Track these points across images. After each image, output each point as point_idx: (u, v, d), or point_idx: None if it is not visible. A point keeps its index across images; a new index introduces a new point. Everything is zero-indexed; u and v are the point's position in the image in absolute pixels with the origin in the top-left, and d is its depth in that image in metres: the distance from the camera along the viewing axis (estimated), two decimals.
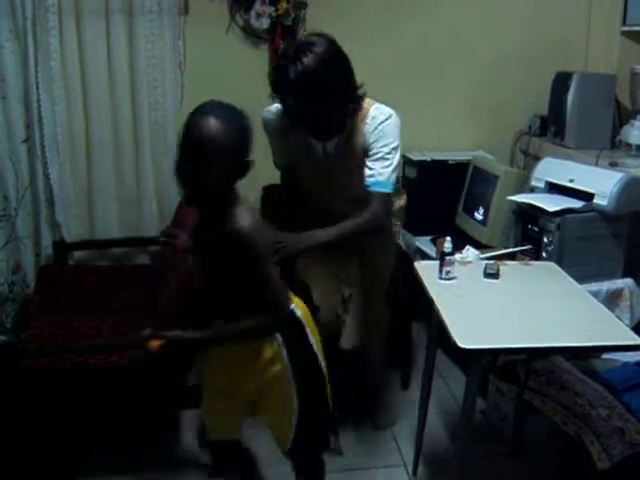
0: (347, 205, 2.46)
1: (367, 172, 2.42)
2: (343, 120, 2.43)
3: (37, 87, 3.17)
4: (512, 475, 2.64)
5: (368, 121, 2.41)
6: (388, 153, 2.40)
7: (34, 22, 3.09)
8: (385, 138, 2.40)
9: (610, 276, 2.90)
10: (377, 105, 2.45)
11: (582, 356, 2.53)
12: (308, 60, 2.20)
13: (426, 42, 3.61)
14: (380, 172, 2.40)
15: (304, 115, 2.32)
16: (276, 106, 2.44)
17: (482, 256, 2.66)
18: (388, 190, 2.43)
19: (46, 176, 3.28)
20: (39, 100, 3.18)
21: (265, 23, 3.34)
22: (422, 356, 2.71)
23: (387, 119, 2.42)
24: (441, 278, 2.28)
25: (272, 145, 2.59)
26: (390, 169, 2.41)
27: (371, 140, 2.41)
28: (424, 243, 3.44)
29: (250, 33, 3.41)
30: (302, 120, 2.37)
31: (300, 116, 2.33)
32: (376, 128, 2.40)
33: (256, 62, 3.44)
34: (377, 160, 2.41)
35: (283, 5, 3.31)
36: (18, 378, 2.43)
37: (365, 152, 2.43)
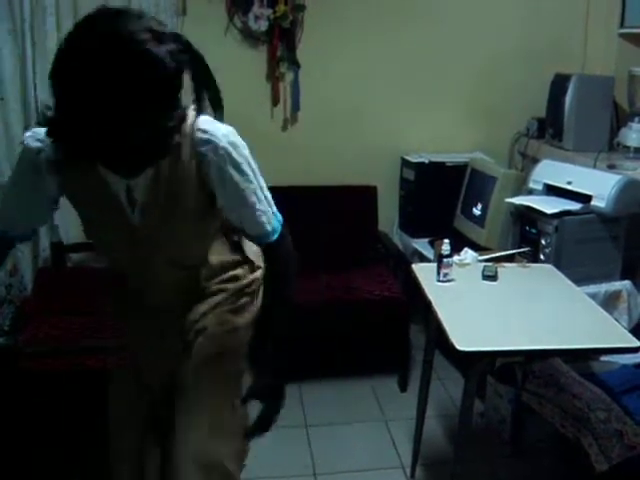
0: (174, 295, 1.72)
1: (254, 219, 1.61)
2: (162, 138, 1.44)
3: (35, 88, 3.17)
4: (510, 477, 2.64)
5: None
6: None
7: (32, 23, 3.09)
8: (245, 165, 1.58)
9: (608, 278, 2.90)
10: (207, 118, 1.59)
11: (580, 358, 2.54)
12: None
13: (424, 45, 3.61)
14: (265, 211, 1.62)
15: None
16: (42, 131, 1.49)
17: (480, 258, 2.66)
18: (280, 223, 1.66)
19: None
20: (37, 102, 3.18)
21: (263, 25, 3.34)
22: (420, 358, 2.70)
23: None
24: (439, 280, 2.28)
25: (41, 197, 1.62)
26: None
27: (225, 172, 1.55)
28: (422, 245, 3.44)
29: (248, 35, 3.41)
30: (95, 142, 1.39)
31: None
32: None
33: (254, 64, 3.45)
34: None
35: (281, 7, 3.31)
36: (16, 380, 2.43)
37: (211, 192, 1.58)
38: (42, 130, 1.49)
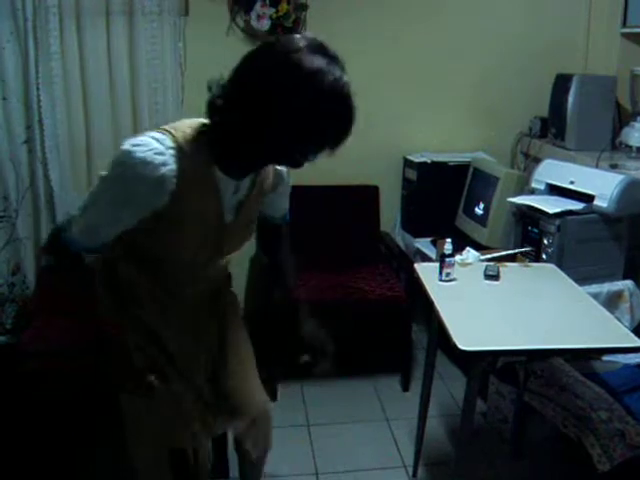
0: (204, 284, 1.88)
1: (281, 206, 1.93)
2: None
3: (38, 88, 3.18)
4: (512, 477, 2.64)
5: None
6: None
7: (35, 23, 3.10)
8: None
9: (610, 278, 2.90)
10: None
11: (582, 358, 2.54)
12: None
13: (427, 44, 3.61)
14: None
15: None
16: (166, 143, 1.53)
17: (482, 257, 2.66)
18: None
19: (46, 177, 3.29)
20: (39, 101, 3.19)
21: (266, 25, 3.35)
22: (422, 358, 2.70)
23: None
24: (441, 280, 2.28)
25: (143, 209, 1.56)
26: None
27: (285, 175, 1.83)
28: (424, 245, 3.44)
29: (251, 34, 3.41)
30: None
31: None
32: None
33: None
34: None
35: (284, 7, 3.32)
36: (18, 379, 2.43)
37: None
38: (154, 144, 1.50)
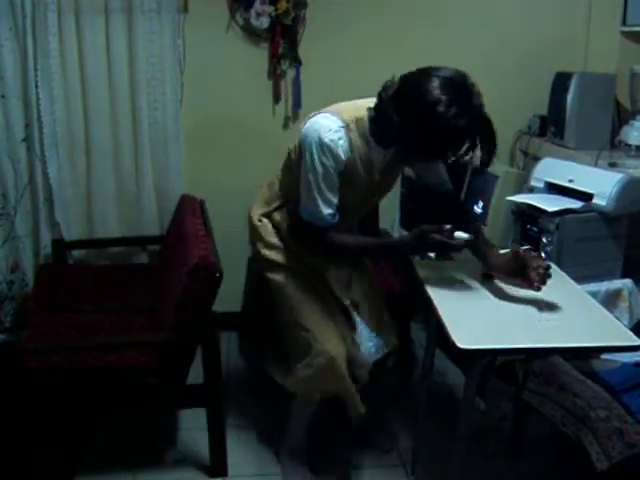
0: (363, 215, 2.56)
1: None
2: None
3: (36, 86, 3.17)
4: (511, 476, 2.64)
5: None
6: None
7: (33, 20, 3.09)
8: None
9: (609, 276, 2.90)
10: None
11: (581, 357, 2.53)
12: None
13: (426, 41, 3.60)
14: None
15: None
16: (337, 128, 2.16)
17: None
18: None
19: (45, 175, 3.28)
20: (38, 99, 3.18)
21: (265, 22, 3.34)
22: (421, 356, 2.70)
23: None
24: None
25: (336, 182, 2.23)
26: None
27: None
28: None
29: (250, 32, 3.40)
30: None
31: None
32: None
33: (256, 61, 3.44)
34: None
35: (283, 4, 3.31)
36: (17, 377, 2.43)
37: None
38: (337, 132, 2.16)
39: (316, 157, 2.14)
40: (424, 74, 1.99)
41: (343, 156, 2.16)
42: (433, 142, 2.00)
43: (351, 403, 2.38)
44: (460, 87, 1.95)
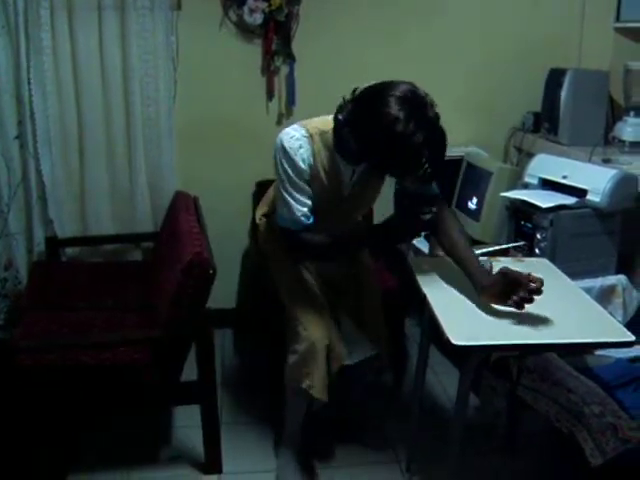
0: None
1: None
2: None
3: (29, 83, 3.15)
4: (505, 471, 2.64)
5: None
6: None
7: (26, 17, 3.07)
8: None
9: (603, 272, 2.90)
10: None
11: (575, 353, 2.54)
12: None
13: (421, 38, 3.60)
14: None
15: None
16: (299, 137, 2.22)
17: (475, 252, 2.65)
18: None
19: (38, 172, 3.27)
20: (31, 96, 3.16)
21: (258, 19, 3.33)
22: (415, 352, 2.70)
23: None
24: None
25: (302, 187, 2.25)
26: None
27: None
28: (417, 239, 3.43)
29: (243, 29, 3.39)
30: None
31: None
32: None
33: (249, 57, 3.44)
34: None
35: (276, 0, 3.29)
36: (10, 374, 2.42)
37: None
38: (298, 133, 2.22)
39: (279, 162, 2.22)
40: (376, 94, 2.02)
41: (302, 164, 2.20)
42: (396, 161, 2.02)
43: (317, 387, 2.39)
44: (413, 101, 1.98)
